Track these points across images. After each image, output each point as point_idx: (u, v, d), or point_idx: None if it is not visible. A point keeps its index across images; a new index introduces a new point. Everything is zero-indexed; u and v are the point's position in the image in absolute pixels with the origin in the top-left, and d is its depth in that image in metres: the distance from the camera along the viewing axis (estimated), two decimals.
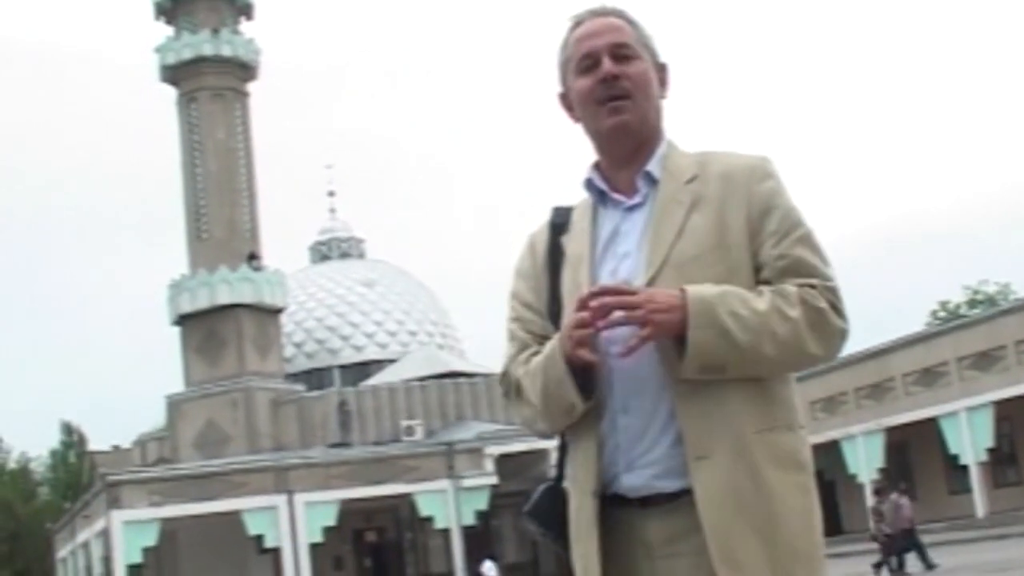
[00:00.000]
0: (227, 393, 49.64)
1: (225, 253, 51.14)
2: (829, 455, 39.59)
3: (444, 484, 44.71)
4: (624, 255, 2.58)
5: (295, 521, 42.94)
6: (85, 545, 48.76)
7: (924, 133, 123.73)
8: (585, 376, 2.49)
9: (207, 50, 52.20)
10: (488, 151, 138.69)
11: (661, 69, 2.69)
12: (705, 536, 2.42)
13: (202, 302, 50.53)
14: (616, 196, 2.64)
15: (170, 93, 53.98)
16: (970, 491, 37.33)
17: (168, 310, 52.00)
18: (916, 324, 59.66)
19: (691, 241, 2.53)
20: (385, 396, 50.56)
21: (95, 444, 74.12)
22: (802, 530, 2.47)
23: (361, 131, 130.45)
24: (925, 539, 24.61)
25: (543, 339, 2.65)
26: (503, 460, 44.41)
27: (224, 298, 50.28)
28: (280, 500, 42.93)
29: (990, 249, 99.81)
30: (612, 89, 2.59)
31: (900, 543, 24.06)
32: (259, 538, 43.30)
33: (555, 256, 2.69)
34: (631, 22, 2.66)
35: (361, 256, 63.39)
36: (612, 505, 2.53)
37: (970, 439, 37.20)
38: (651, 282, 2.50)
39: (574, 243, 2.67)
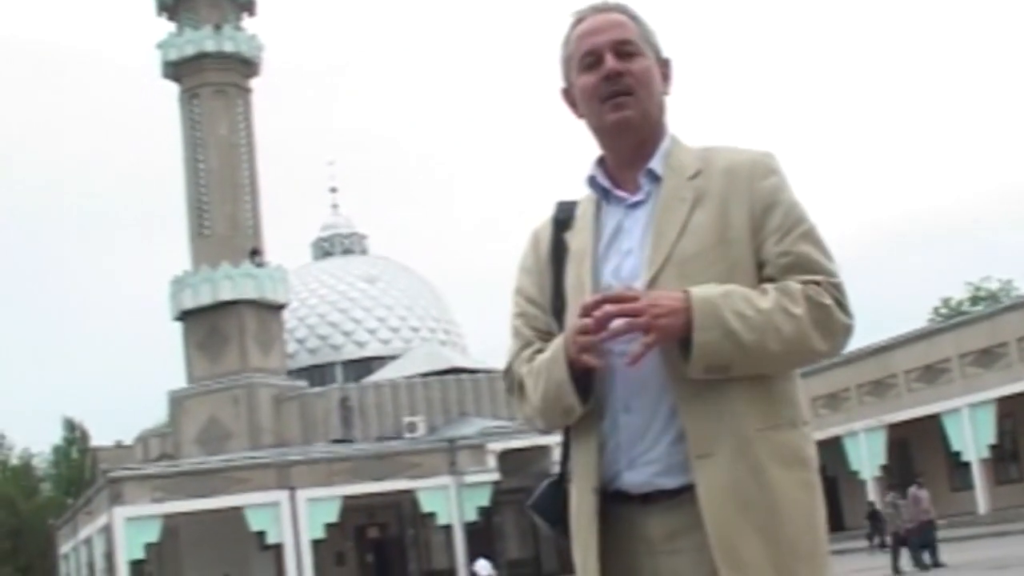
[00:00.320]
0: (229, 389, 49.67)
1: (227, 249, 51.17)
2: (831, 452, 39.58)
3: (446, 480, 44.74)
4: (627, 252, 2.58)
5: (297, 517, 42.99)
6: (87, 541, 48.83)
7: (927, 130, 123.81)
8: (586, 379, 2.49)
9: (209, 46, 52.22)
10: (491, 147, 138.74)
11: (664, 64, 2.68)
12: (707, 534, 2.42)
13: (204, 298, 50.56)
14: (619, 193, 2.64)
15: (172, 89, 54.04)
16: (972, 488, 37.34)
17: (170, 306, 52.04)
18: (918, 321, 59.64)
19: (693, 238, 2.52)
20: (387, 392, 50.58)
21: (97, 440, 74.31)
22: (805, 528, 2.47)
23: (363, 127, 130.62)
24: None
25: (547, 335, 2.65)
26: (505, 456, 44.43)
27: (226, 294, 50.31)
28: (282, 496, 42.98)
29: (993, 246, 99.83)
30: (615, 86, 2.58)
31: (920, 537, 23.89)
32: (261, 534, 43.36)
33: (559, 252, 2.69)
34: (634, 18, 2.65)
35: (363, 252, 63.41)
36: (614, 502, 2.53)
37: (972, 436, 37.20)
38: (653, 280, 2.50)
39: (577, 239, 2.66)
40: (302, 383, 52.08)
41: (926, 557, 23.76)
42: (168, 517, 42.32)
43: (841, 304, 2.50)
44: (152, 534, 42.26)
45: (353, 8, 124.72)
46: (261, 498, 42.71)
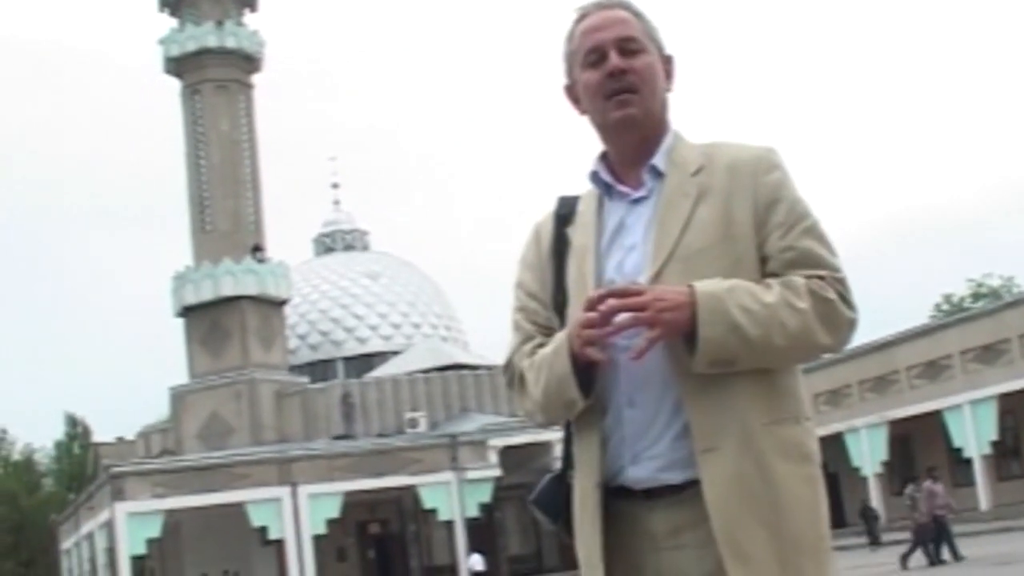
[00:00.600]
0: (231, 385, 49.68)
1: (229, 245, 51.17)
2: (833, 448, 39.60)
3: (448, 476, 44.75)
4: (630, 248, 2.58)
5: (299, 513, 43.01)
6: (89, 536, 48.86)
7: (929, 126, 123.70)
8: (589, 373, 2.50)
9: (211, 42, 52.19)
10: (493, 144, 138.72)
11: (667, 61, 2.68)
12: (710, 528, 2.42)
13: (206, 294, 50.57)
14: (622, 188, 2.64)
15: (174, 85, 54.03)
16: (974, 484, 37.35)
17: (172, 302, 52.05)
18: (920, 317, 59.66)
19: (697, 234, 2.52)
20: (389, 388, 50.59)
21: (99, 436, 74.28)
22: (809, 522, 2.48)
23: (365, 123, 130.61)
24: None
25: (548, 330, 2.66)
26: (507, 452, 44.44)
27: (228, 290, 50.31)
28: (284, 492, 43.00)
29: (994, 242, 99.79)
30: (619, 83, 2.59)
31: (935, 530, 23.82)
32: (263, 530, 43.37)
33: (560, 247, 2.69)
34: (637, 14, 2.66)
35: (365, 248, 63.39)
36: (616, 497, 2.53)
37: (974, 432, 37.22)
38: (657, 275, 2.50)
39: (579, 234, 2.66)
40: (304, 379, 52.09)
41: (944, 551, 23.60)
42: (170, 512, 42.35)
43: (845, 298, 2.50)
44: (154, 529, 42.28)
45: (355, 4, 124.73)
46: (262, 494, 42.73)
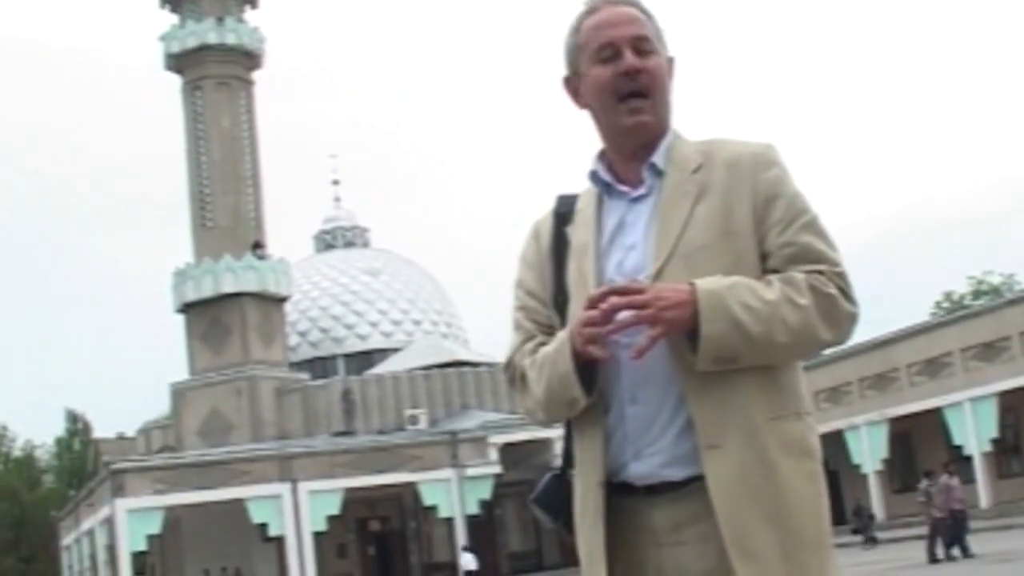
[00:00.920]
0: (231, 381, 49.69)
1: (229, 241, 51.16)
2: (833, 445, 39.59)
3: (448, 473, 44.76)
4: (630, 247, 2.58)
5: (299, 509, 43.02)
6: (89, 533, 48.88)
7: (929, 123, 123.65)
8: (591, 371, 2.50)
9: (212, 38, 52.17)
10: (493, 140, 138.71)
11: (669, 62, 2.68)
12: (711, 523, 2.43)
13: (206, 290, 50.58)
14: (621, 187, 2.64)
15: (175, 81, 54.01)
16: (974, 482, 37.30)
17: (172, 298, 52.05)
18: (920, 315, 59.63)
19: (698, 231, 2.53)
20: (389, 385, 50.58)
21: (100, 432, 74.33)
22: (812, 517, 2.49)
23: (365, 120, 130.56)
24: (928, 530, 24.55)
25: (548, 328, 2.66)
26: (507, 449, 44.45)
27: (228, 286, 50.31)
28: (284, 488, 43.00)
29: (995, 240, 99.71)
30: (632, 84, 2.58)
31: (952, 525, 23.80)
32: (263, 526, 43.38)
33: (560, 245, 2.69)
34: (647, 14, 2.65)
35: (365, 245, 63.38)
36: (618, 494, 2.54)
37: (974, 430, 37.21)
38: (658, 273, 2.50)
39: (579, 233, 2.66)
40: (304, 376, 52.09)
41: (955, 550, 23.58)
42: (170, 509, 42.34)
43: (846, 293, 2.51)
44: (154, 526, 42.29)
45: (355, 2, 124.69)
46: (263, 490, 42.74)
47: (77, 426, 77.82)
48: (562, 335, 2.53)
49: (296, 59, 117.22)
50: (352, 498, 43.88)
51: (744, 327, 2.40)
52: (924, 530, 24.54)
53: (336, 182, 65.35)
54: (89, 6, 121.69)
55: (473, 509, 44.81)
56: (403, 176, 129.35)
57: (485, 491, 44.90)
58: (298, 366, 53.83)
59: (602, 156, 2.68)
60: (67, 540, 57.41)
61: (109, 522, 42.96)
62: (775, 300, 2.44)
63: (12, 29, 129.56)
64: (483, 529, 45.59)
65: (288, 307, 53.72)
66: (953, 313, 48.29)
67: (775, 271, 2.50)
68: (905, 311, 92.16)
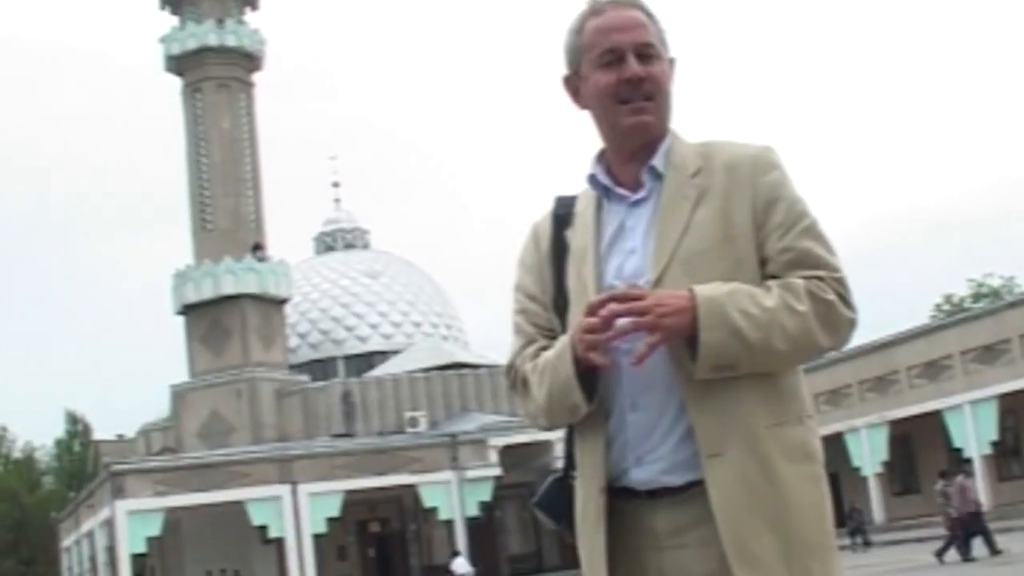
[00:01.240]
0: (231, 383, 49.69)
1: (230, 243, 51.17)
2: (833, 448, 39.56)
3: (448, 475, 44.75)
4: (630, 251, 2.57)
5: (299, 511, 43.01)
6: (89, 534, 48.87)
7: (929, 125, 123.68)
8: (592, 377, 2.49)
9: (212, 40, 52.19)
10: (494, 142, 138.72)
11: (670, 63, 2.67)
12: (712, 527, 2.43)
13: (207, 292, 50.58)
14: (620, 191, 2.63)
15: (175, 83, 54.04)
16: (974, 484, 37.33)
17: (172, 300, 52.05)
18: (920, 317, 59.63)
19: (697, 236, 2.52)
20: (389, 387, 50.58)
21: (100, 434, 74.19)
22: (815, 522, 2.49)
23: (366, 122, 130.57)
24: (928, 533, 24.54)
25: (548, 331, 2.65)
26: (507, 451, 44.44)
27: (228, 288, 50.32)
28: (284, 490, 43.00)
29: (995, 242, 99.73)
30: (636, 91, 2.57)
31: (968, 527, 23.73)
32: (263, 528, 43.37)
33: (559, 249, 2.68)
34: (651, 16, 2.63)
35: (366, 247, 63.38)
36: (619, 497, 2.54)
37: (974, 432, 37.20)
38: (659, 279, 2.50)
39: (579, 236, 2.66)
40: (304, 378, 52.09)
41: (973, 550, 23.46)
42: (170, 511, 42.34)
43: (844, 299, 2.50)
44: (154, 528, 42.28)
45: (356, 4, 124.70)
46: (263, 492, 42.73)
47: (77, 428, 77.80)
48: (563, 341, 2.53)
49: (296, 61, 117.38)
50: (352, 500, 43.87)
51: (743, 334, 2.40)
52: (924, 532, 24.52)
53: (336, 184, 65.41)
54: (89, 7, 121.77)
55: (473, 511, 44.81)
56: (403, 178, 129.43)
57: (485, 493, 44.90)
58: (298, 368, 53.82)
59: (600, 158, 2.67)
60: (67, 542, 57.40)
61: (109, 524, 42.95)
62: (774, 307, 2.43)
63: (12, 29, 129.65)
64: (483, 531, 45.58)
65: (288, 309, 53.72)
66: (953, 316, 48.27)
67: (774, 276, 2.50)
68: (905, 314, 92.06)
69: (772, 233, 2.52)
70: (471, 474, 44.63)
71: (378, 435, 48.17)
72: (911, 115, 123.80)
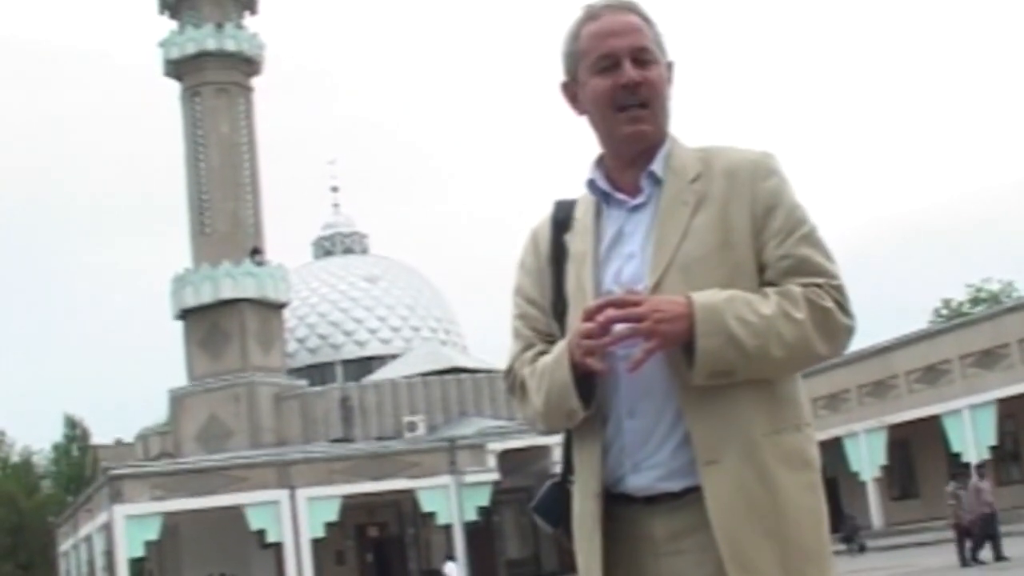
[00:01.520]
0: (230, 388, 49.65)
1: (228, 247, 51.16)
2: (831, 452, 39.53)
3: (446, 480, 44.72)
4: (629, 256, 2.57)
5: (297, 516, 42.97)
6: (87, 539, 48.82)
7: (928, 129, 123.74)
8: (589, 383, 2.49)
9: (211, 44, 52.18)
10: (492, 147, 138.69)
11: (668, 67, 2.66)
12: (710, 533, 2.43)
13: (205, 296, 50.56)
14: (620, 196, 2.63)
15: (174, 88, 54.04)
16: None
17: (171, 304, 52.02)
18: (919, 322, 59.60)
19: (696, 242, 2.52)
20: (388, 392, 50.57)
21: (98, 438, 74.33)
22: (812, 529, 2.49)
23: (365, 126, 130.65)
24: (927, 537, 24.51)
25: (548, 336, 2.65)
26: (505, 456, 44.42)
27: (227, 292, 50.30)
28: (282, 495, 42.96)
29: (993, 247, 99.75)
30: (632, 97, 2.56)
31: (980, 529, 23.66)
32: (261, 533, 43.33)
33: (558, 253, 2.68)
34: (647, 20, 2.62)
35: (364, 251, 63.37)
36: (617, 503, 2.54)
37: (973, 437, 37.16)
38: (657, 284, 2.50)
39: (578, 241, 2.65)
40: (302, 382, 52.06)
41: (983, 553, 23.44)
42: (168, 515, 42.30)
43: (842, 306, 2.50)
44: (152, 532, 42.25)
45: (355, 6, 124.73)
46: (261, 497, 42.69)
47: (75, 432, 77.78)
48: (561, 345, 2.53)
49: (295, 65, 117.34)
50: (350, 505, 43.84)
51: (740, 341, 2.39)
52: (922, 537, 24.49)
53: (335, 188, 65.41)
54: (87, 10, 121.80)
55: (471, 516, 44.78)
56: (402, 182, 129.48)
57: (483, 498, 44.87)
58: (296, 372, 53.80)
59: (599, 163, 2.67)
60: (65, 546, 57.34)
61: (107, 528, 42.90)
62: (771, 314, 2.43)
63: (12, 29, 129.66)
64: (481, 536, 45.55)
65: (287, 313, 53.71)
66: (952, 320, 48.27)
67: (772, 283, 2.49)
68: (903, 318, 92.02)
69: (771, 239, 2.52)
70: (469, 479, 44.61)
71: (376, 440, 48.15)
72: (909, 119, 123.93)
